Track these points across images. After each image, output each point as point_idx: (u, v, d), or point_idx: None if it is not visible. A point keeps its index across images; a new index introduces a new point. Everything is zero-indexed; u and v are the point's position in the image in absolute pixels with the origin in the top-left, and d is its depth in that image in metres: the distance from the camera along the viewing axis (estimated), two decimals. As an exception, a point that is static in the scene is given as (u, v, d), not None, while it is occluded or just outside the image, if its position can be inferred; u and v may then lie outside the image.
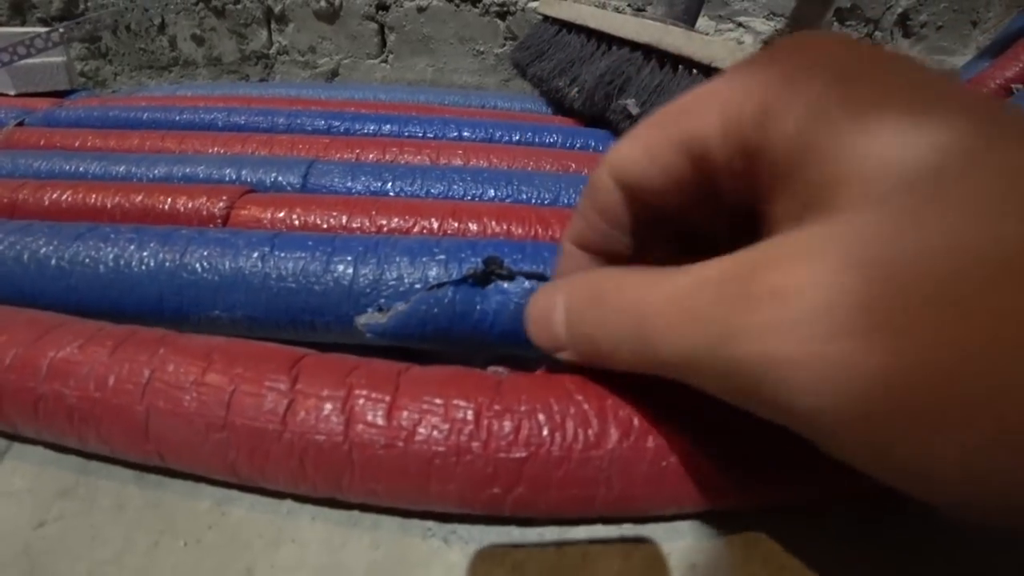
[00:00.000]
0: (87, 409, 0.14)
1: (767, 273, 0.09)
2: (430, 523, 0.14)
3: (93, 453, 0.16)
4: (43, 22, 0.65)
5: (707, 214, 0.13)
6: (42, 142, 0.38)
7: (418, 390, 0.12)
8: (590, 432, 0.13)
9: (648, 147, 0.12)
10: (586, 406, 0.13)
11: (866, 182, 0.09)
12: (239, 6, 0.65)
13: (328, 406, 0.12)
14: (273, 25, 0.66)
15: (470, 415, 0.12)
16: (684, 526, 0.14)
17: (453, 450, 0.12)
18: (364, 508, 0.14)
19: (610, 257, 0.14)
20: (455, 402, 0.12)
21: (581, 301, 0.12)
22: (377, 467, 0.12)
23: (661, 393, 0.13)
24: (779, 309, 0.09)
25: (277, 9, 0.64)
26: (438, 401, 0.12)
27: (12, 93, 0.51)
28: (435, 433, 0.12)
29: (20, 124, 0.42)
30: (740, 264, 0.10)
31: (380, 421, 0.12)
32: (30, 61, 0.49)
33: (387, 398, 0.12)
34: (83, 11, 0.66)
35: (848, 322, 0.08)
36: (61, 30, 0.49)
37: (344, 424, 0.12)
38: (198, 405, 0.13)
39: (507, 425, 0.12)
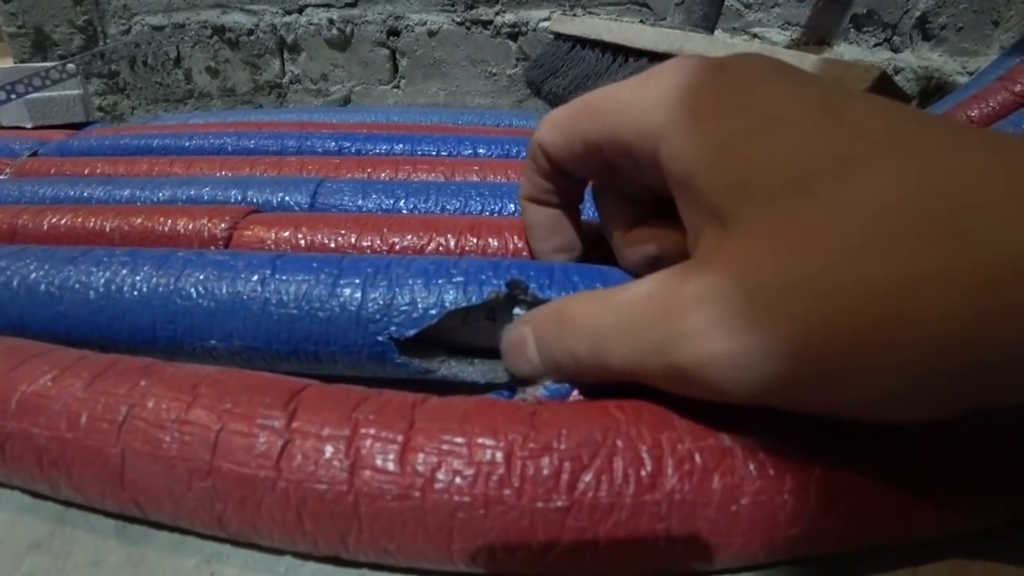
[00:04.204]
0: (57, 451, 0.12)
1: (684, 289, 0.11)
2: (453, 585, 0.11)
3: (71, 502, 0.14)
4: (63, 59, 0.66)
5: (639, 185, 0.15)
6: (52, 171, 0.37)
7: (436, 427, 0.10)
8: (643, 472, 0.10)
9: (566, 139, 0.15)
10: (638, 440, 0.11)
11: (734, 207, 0.11)
12: (252, 37, 0.65)
13: (329, 448, 0.10)
14: (286, 55, 0.66)
15: (499, 456, 0.10)
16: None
17: (480, 500, 0.09)
18: (377, 567, 0.12)
19: (560, 207, 0.18)
20: (481, 440, 0.10)
21: (547, 331, 0.14)
22: (389, 522, 0.10)
23: (727, 419, 0.11)
24: (696, 318, 0.10)
25: (290, 39, 0.65)
26: (460, 440, 0.10)
27: (29, 126, 0.51)
28: (457, 480, 0.10)
29: (33, 155, 0.42)
30: (665, 281, 0.11)
31: (391, 466, 0.10)
32: (47, 94, 0.49)
33: (399, 437, 0.10)
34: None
35: (742, 323, 0.10)
36: (76, 62, 0.49)
37: (349, 470, 0.10)
38: (180, 447, 0.11)
39: (544, 467, 0.10)
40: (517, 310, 0.16)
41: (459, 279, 0.16)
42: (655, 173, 0.13)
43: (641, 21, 0.62)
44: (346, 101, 0.68)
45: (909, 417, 0.10)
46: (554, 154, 0.16)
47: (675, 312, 0.11)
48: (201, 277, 0.17)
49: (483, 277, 0.16)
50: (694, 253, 0.12)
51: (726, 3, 0.58)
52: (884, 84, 0.25)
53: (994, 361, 0.08)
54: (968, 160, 0.09)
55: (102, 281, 0.18)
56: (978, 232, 0.08)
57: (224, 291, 0.17)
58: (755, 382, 0.10)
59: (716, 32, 0.46)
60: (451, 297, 0.16)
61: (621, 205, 0.17)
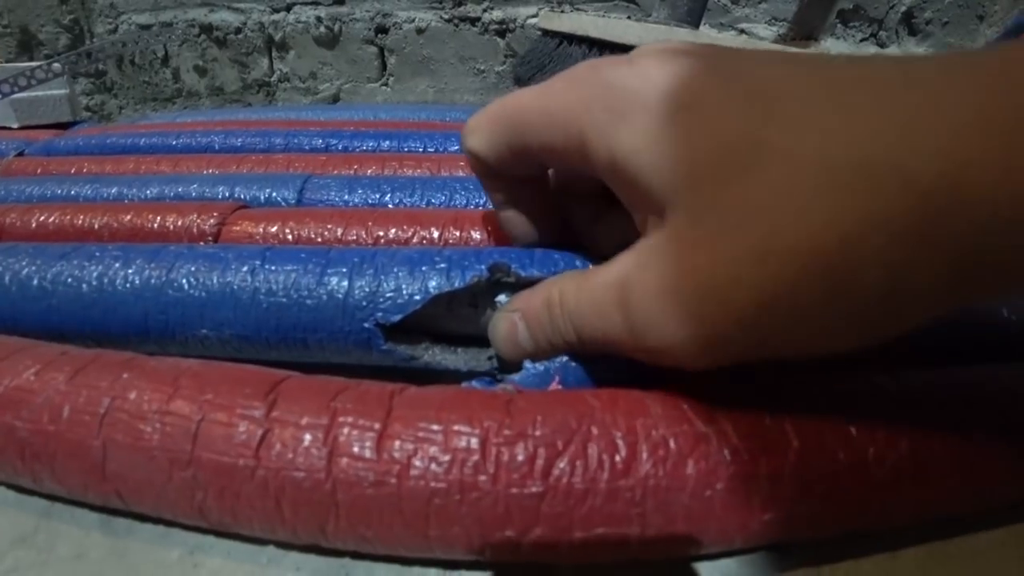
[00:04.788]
0: (40, 444, 0.12)
1: (641, 279, 0.11)
2: (433, 572, 0.12)
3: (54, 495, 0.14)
4: (49, 58, 0.66)
5: (583, 181, 0.16)
6: (39, 170, 0.37)
7: (414, 414, 0.10)
8: (617, 458, 0.11)
9: (491, 146, 0.15)
10: (612, 427, 0.11)
11: (668, 196, 0.11)
12: (240, 36, 0.65)
13: (308, 436, 0.10)
14: (274, 53, 0.66)
15: (475, 443, 0.10)
16: (732, 565, 0.12)
17: (456, 486, 0.10)
18: (357, 555, 0.12)
19: (518, 208, 0.17)
20: (456, 428, 0.10)
21: (538, 317, 0.14)
22: (366, 509, 0.10)
23: (702, 404, 0.11)
24: (652, 308, 0.11)
25: (278, 37, 0.65)
26: (436, 427, 0.10)
27: (15, 126, 0.50)
28: (433, 466, 0.10)
29: (20, 155, 0.42)
30: (625, 269, 0.12)
31: (368, 453, 0.10)
32: (33, 94, 0.49)
33: (377, 425, 0.10)
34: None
35: (695, 308, 0.10)
36: (62, 61, 0.49)
37: (326, 458, 0.10)
38: (161, 438, 0.11)
39: (519, 454, 0.10)
40: (501, 297, 0.17)
41: (442, 266, 0.17)
42: (590, 171, 0.13)
43: (628, 17, 0.62)
44: (335, 99, 0.67)
45: (853, 346, 0.10)
46: (485, 161, 0.16)
47: (635, 302, 0.11)
48: (192, 269, 0.18)
49: (466, 263, 0.17)
50: (644, 237, 0.12)
51: (714, -1, 0.58)
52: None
53: (930, 289, 0.09)
54: (886, 101, 0.09)
55: (95, 275, 0.18)
56: (907, 172, 0.08)
57: (215, 281, 0.17)
58: (715, 357, 0.11)
59: (702, 27, 0.46)
60: (435, 283, 0.16)
61: (579, 204, 0.17)
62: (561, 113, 0.13)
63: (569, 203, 0.18)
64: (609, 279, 0.12)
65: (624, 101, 0.12)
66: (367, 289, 0.16)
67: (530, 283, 0.16)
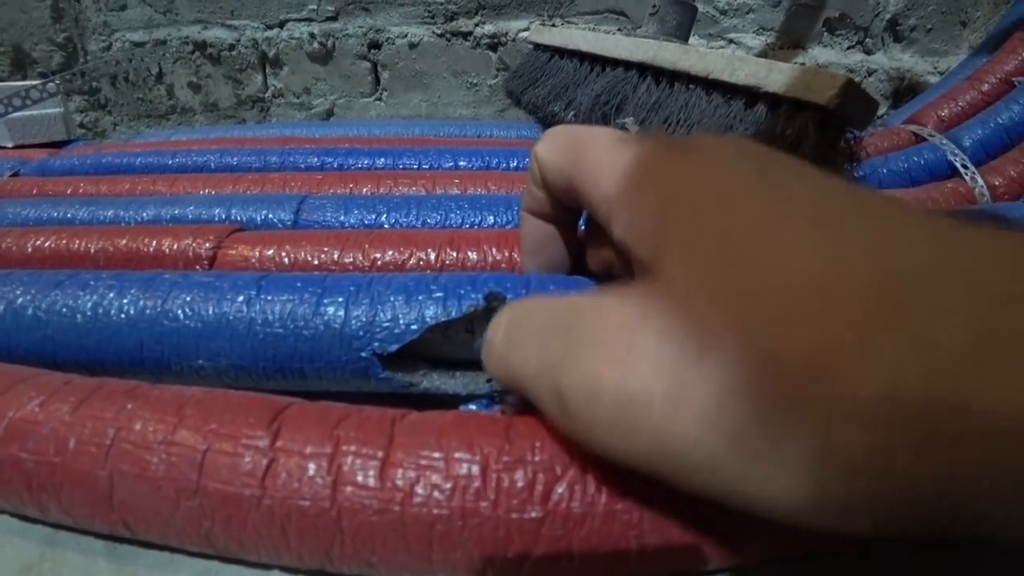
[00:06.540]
0: (46, 475, 0.12)
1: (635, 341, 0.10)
2: (436, 594, 0.12)
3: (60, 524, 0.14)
4: (43, 77, 0.66)
5: None
6: (34, 191, 0.37)
7: (415, 442, 0.11)
8: (615, 480, 0.11)
9: (555, 161, 0.15)
10: (608, 450, 0.11)
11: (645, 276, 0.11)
12: (234, 52, 0.65)
13: (312, 465, 0.10)
14: (268, 69, 0.67)
15: (475, 470, 0.10)
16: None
17: (458, 513, 0.10)
18: (360, 579, 0.12)
19: (554, 223, 0.18)
20: (457, 455, 0.10)
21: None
22: (371, 535, 0.10)
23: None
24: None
25: (271, 53, 0.65)
26: (437, 455, 0.10)
27: (10, 145, 0.51)
28: (436, 494, 0.10)
29: (15, 175, 0.42)
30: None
31: (372, 482, 0.10)
32: (27, 113, 0.49)
33: (380, 453, 0.11)
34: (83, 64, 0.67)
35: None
36: (57, 81, 0.49)
37: (331, 487, 0.10)
38: (167, 468, 0.11)
39: (519, 480, 0.10)
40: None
41: (438, 294, 0.17)
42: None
43: (619, 29, 0.63)
44: (329, 114, 0.68)
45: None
46: (546, 172, 0.16)
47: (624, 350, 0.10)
48: (188, 299, 0.18)
49: (462, 292, 0.17)
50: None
51: (702, 10, 0.59)
52: (851, 91, 0.26)
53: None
54: (891, 239, 0.08)
55: (89, 305, 0.18)
56: (903, 307, 0.08)
57: (210, 312, 0.18)
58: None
59: (692, 38, 0.47)
60: (431, 312, 0.16)
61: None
62: (607, 170, 0.13)
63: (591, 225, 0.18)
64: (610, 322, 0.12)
65: (658, 180, 0.12)
66: (363, 319, 0.16)
67: None
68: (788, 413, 0.08)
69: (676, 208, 0.11)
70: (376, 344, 0.16)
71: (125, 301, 0.18)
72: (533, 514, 0.10)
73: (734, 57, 0.29)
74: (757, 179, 0.10)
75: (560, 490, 0.10)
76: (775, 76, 0.27)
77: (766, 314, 0.08)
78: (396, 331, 0.16)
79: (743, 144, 0.12)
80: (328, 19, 0.63)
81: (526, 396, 0.12)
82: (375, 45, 0.64)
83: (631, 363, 0.09)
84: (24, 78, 0.67)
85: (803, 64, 0.65)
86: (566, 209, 0.17)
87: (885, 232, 0.09)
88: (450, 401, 0.17)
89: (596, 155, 0.14)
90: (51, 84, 0.48)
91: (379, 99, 0.67)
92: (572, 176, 0.15)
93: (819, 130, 0.26)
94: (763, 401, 0.08)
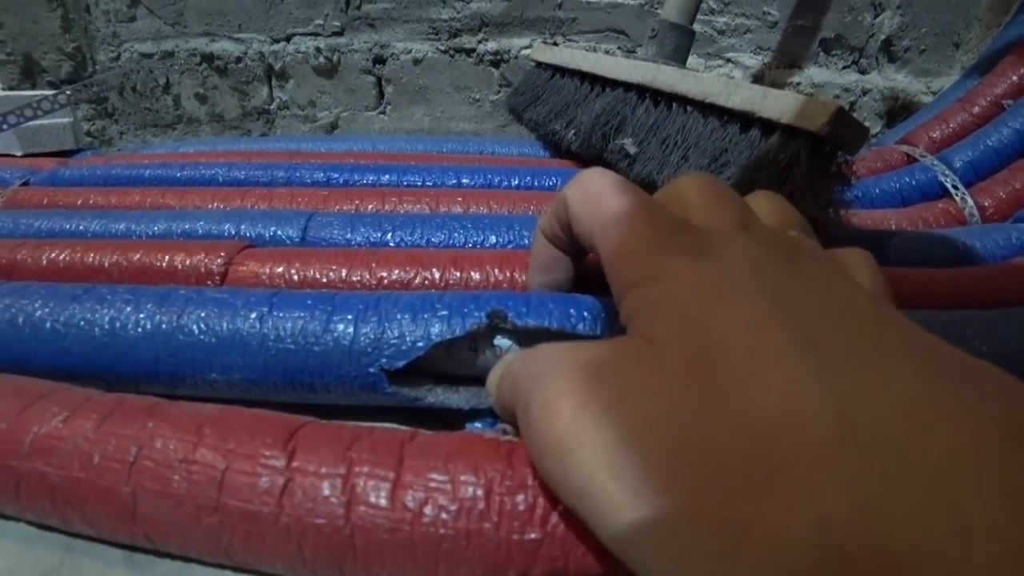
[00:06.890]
0: (71, 490, 0.13)
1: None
2: (440, 607, 0.12)
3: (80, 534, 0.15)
4: (52, 86, 0.67)
5: None
6: (45, 201, 0.38)
7: (423, 465, 0.11)
8: (610, 502, 0.12)
9: (579, 226, 0.15)
10: (604, 473, 0.12)
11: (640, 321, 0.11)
12: (240, 65, 0.66)
13: (327, 486, 0.11)
14: (274, 82, 0.68)
15: (480, 492, 0.11)
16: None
17: (463, 533, 0.11)
18: (369, 592, 0.13)
19: (568, 253, 0.18)
20: (463, 478, 0.11)
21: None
22: (381, 552, 0.11)
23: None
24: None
25: (277, 67, 0.66)
26: (444, 478, 0.11)
27: (19, 154, 0.51)
28: (443, 515, 0.11)
29: (25, 184, 0.43)
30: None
31: (383, 503, 0.11)
32: (36, 122, 0.50)
33: (391, 475, 0.11)
34: (91, 74, 0.67)
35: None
36: (68, 92, 0.50)
37: (345, 507, 0.11)
38: (188, 486, 0.12)
39: (520, 503, 0.11)
40: (498, 340, 0.18)
41: (443, 313, 0.18)
42: None
43: (619, 48, 0.64)
44: (333, 127, 0.69)
45: None
46: (573, 223, 0.15)
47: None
48: (202, 314, 0.19)
49: (465, 310, 0.18)
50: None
51: (700, 30, 0.60)
52: (842, 118, 0.27)
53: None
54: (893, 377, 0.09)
55: (107, 319, 0.19)
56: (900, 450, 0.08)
57: (224, 328, 0.18)
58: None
59: (690, 58, 0.48)
60: (436, 330, 0.17)
61: None
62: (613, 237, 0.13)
63: None
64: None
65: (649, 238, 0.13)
66: (372, 336, 0.17)
67: (525, 331, 0.17)
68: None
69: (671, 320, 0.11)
70: (384, 360, 0.17)
71: (142, 316, 0.19)
72: (533, 535, 0.11)
73: (730, 82, 0.30)
74: (767, 314, 0.10)
75: (558, 513, 0.11)
76: (769, 103, 0.28)
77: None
78: (403, 348, 0.17)
79: (765, 260, 0.11)
80: (334, 34, 0.64)
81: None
82: (380, 60, 0.65)
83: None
84: (33, 87, 0.67)
85: (799, 84, 0.67)
86: (579, 245, 0.17)
87: None
88: (453, 415, 0.18)
89: (619, 239, 0.13)
90: (62, 95, 0.49)
91: (383, 112, 0.68)
92: (594, 239, 0.14)
93: (811, 155, 0.27)
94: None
